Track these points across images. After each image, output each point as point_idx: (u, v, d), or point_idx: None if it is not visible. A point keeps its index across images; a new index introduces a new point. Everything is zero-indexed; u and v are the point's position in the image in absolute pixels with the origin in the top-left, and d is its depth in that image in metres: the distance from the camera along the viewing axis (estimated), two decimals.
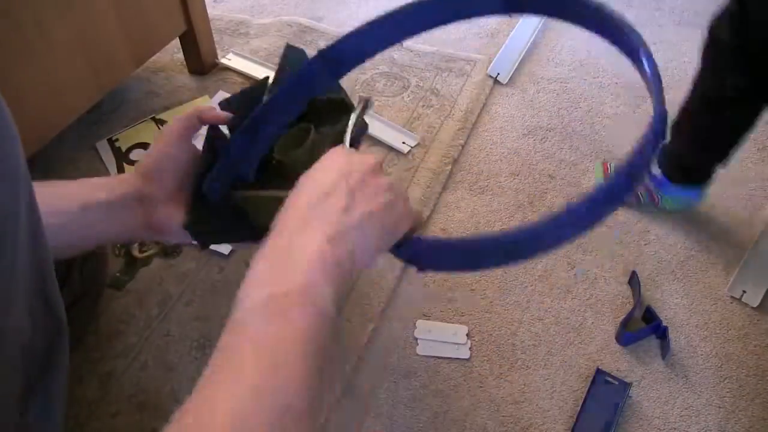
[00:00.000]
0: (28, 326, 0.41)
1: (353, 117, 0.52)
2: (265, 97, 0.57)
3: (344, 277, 0.38)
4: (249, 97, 0.56)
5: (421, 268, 0.45)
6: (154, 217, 0.52)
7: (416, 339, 0.84)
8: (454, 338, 0.84)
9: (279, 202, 0.43)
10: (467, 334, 0.84)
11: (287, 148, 0.56)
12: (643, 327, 0.84)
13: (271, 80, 0.59)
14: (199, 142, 0.54)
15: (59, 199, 0.48)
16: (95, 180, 0.51)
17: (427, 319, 0.86)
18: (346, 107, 0.62)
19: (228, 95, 0.73)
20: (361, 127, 0.56)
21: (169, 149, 0.52)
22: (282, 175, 0.54)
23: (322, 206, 0.40)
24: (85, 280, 0.72)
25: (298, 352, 0.34)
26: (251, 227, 0.54)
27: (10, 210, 0.36)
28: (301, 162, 0.51)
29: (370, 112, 0.58)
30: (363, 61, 0.58)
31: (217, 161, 0.53)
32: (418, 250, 0.44)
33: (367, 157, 0.44)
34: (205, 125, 0.54)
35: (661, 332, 0.83)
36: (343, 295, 0.39)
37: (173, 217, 0.52)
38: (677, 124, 0.95)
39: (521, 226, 0.40)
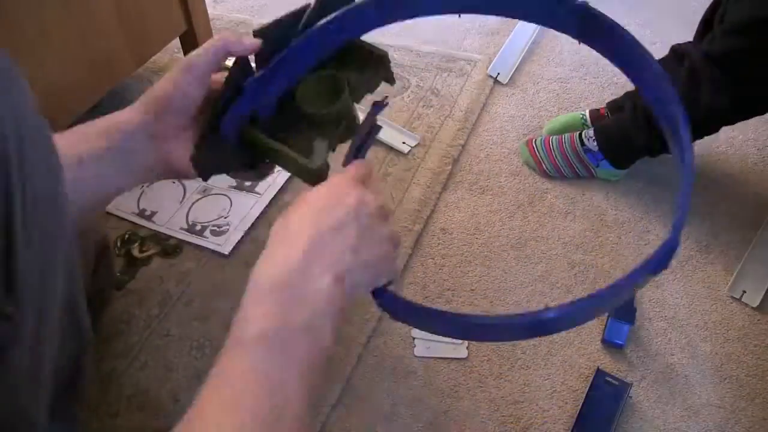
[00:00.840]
0: (57, 340, 0.41)
1: (362, 118, 0.51)
2: (297, 37, 0.53)
3: (343, 313, 0.40)
4: (285, 29, 0.53)
5: (394, 318, 0.47)
6: (165, 152, 0.48)
7: (413, 339, 0.84)
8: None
9: (302, 166, 0.45)
10: None
11: (313, 98, 0.53)
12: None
13: (312, 5, 0.54)
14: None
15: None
16: (92, 126, 0.47)
17: None
18: (370, 55, 0.60)
19: None
20: (373, 129, 0.55)
21: (186, 87, 0.48)
22: (308, 123, 0.52)
23: (332, 242, 0.40)
24: (98, 281, 0.72)
25: (295, 379, 0.35)
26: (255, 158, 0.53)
27: (57, 233, 0.37)
28: (335, 115, 0.51)
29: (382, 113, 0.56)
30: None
31: (236, 99, 0.50)
32: (395, 306, 0.46)
33: (378, 197, 0.43)
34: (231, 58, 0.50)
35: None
36: (338, 328, 0.39)
37: (185, 151, 0.49)
38: (629, 111, 0.99)
39: (486, 316, 0.41)
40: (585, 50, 1.23)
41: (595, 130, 1.04)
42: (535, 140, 1.10)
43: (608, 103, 1.14)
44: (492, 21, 1.47)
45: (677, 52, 1.02)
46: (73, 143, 0.46)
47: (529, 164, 1.09)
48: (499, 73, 1.28)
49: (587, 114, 1.14)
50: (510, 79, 1.28)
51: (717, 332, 0.86)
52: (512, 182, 1.06)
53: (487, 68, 1.29)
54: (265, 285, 0.38)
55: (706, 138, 1.14)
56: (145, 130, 0.47)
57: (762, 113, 0.92)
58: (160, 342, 0.82)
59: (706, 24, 1.00)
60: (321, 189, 0.42)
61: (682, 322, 0.87)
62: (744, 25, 0.83)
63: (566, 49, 1.36)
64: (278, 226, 0.41)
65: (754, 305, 0.88)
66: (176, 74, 0.48)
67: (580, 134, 1.05)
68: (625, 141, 1.00)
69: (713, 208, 1.02)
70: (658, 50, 1.37)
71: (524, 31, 1.40)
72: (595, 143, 1.03)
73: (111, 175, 0.47)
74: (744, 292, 0.90)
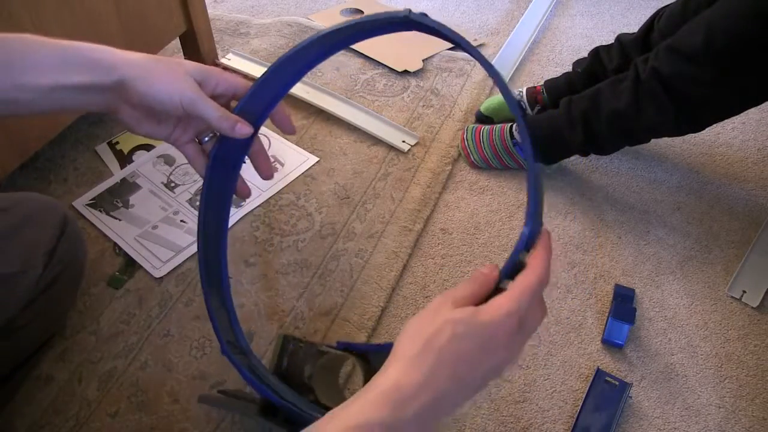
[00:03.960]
0: None
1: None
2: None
3: None
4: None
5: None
6: (122, 113, 0.50)
7: None
8: None
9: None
10: None
11: (328, 385, 0.60)
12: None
13: None
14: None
15: (33, 70, 0.46)
16: (79, 54, 0.48)
17: None
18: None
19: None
20: None
21: (184, 99, 0.49)
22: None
23: (466, 388, 0.39)
24: (63, 259, 0.73)
25: None
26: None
27: None
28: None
29: None
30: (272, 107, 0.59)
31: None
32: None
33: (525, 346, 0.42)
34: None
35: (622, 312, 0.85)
36: None
37: (142, 124, 0.51)
38: (564, 109, 0.99)
39: None
40: (585, 50, 1.23)
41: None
42: (467, 130, 1.10)
43: (546, 82, 1.13)
44: (492, 21, 1.47)
45: (624, 49, 1.03)
46: (49, 66, 0.47)
47: (461, 154, 1.09)
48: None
49: (524, 91, 1.14)
50: (510, 79, 1.28)
51: (717, 332, 0.86)
52: (512, 182, 1.06)
53: None
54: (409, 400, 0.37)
55: (706, 138, 1.15)
56: (114, 87, 0.48)
57: (699, 130, 0.92)
58: (160, 342, 0.82)
59: (654, 18, 1.01)
60: (490, 326, 0.40)
61: (682, 322, 0.87)
62: (694, 53, 0.82)
63: (566, 49, 1.36)
64: (447, 341, 0.39)
65: (754, 305, 0.89)
66: (187, 80, 0.50)
67: (511, 127, 1.04)
68: (558, 140, 0.99)
69: (713, 208, 1.03)
70: None
71: (524, 31, 1.40)
72: None
73: (69, 103, 0.48)
74: (744, 292, 0.90)
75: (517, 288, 0.40)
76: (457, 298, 0.42)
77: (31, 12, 0.83)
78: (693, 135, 1.08)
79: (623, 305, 0.86)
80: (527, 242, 0.42)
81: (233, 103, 0.57)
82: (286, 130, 0.60)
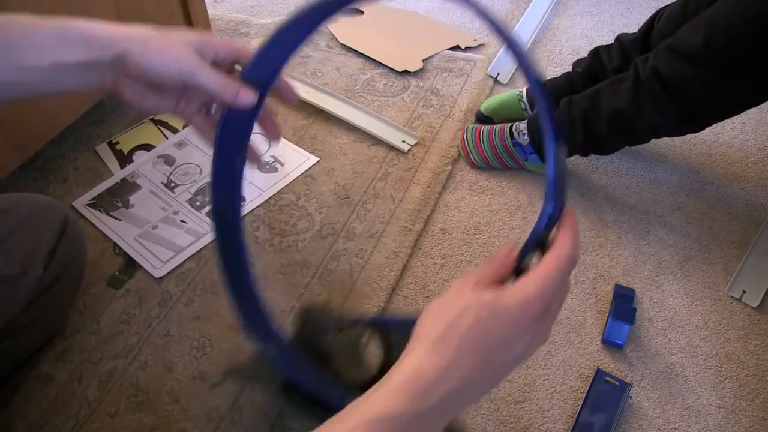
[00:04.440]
0: None
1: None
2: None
3: None
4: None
5: None
6: (124, 90, 0.49)
7: None
8: None
9: None
10: None
11: (347, 358, 0.59)
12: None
13: None
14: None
15: (32, 51, 0.46)
16: (77, 31, 0.48)
17: None
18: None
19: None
20: None
21: (185, 67, 0.47)
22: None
23: (491, 375, 0.38)
24: (63, 260, 0.73)
25: None
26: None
27: None
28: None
29: None
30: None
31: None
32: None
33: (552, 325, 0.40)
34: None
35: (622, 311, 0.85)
36: None
37: (145, 99, 0.49)
38: (564, 109, 0.99)
39: None
40: (585, 50, 1.23)
41: (528, 125, 1.03)
42: (467, 130, 1.10)
43: (545, 82, 1.13)
44: None
45: (624, 49, 1.03)
46: (49, 45, 0.46)
47: (461, 154, 1.10)
48: (499, 73, 1.28)
49: (524, 91, 1.14)
50: (510, 79, 1.28)
51: (717, 332, 0.86)
52: (512, 182, 1.06)
53: (487, 68, 1.29)
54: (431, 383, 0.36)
55: (706, 138, 1.15)
56: (116, 62, 0.47)
57: (699, 130, 0.92)
58: (160, 342, 0.82)
59: (655, 18, 1.01)
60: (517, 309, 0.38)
61: (682, 322, 0.87)
62: (694, 53, 0.82)
63: (566, 49, 1.36)
64: (470, 322, 0.38)
65: (754, 305, 0.88)
66: (185, 50, 0.48)
67: (511, 128, 1.04)
68: None
69: (713, 207, 1.03)
70: None
71: (524, 31, 1.40)
72: (526, 137, 1.02)
73: (71, 83, 0.48)
74: (744, 292, 0.90)
75: (544, 269, 0.38)
76: (478, 280, 0.40)
77: (30, 12, 0.83)
78: (693, 135, 1.08)
79: (623, 305, 0.86)
80: (549, 221, 0.41)
81: (239, 72, 0.54)
82: (271, 135, 0.57)
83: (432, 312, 0.39)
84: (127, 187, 1.02)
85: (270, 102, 0.55)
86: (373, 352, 0.58)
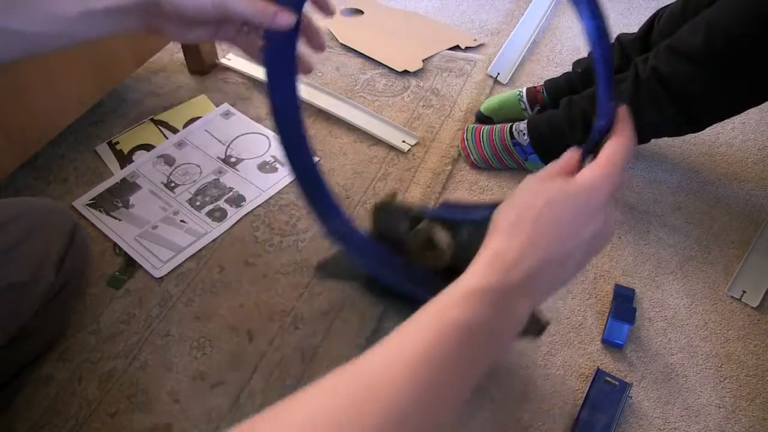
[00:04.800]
0: None
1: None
2: None
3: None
4: None
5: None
6: (162, 29, 0.49)
7: None
8: None
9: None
10: None
11: (421, 248, 0.66)
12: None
13: None
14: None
15: (59, 1, 0.45)
16: None
17: None
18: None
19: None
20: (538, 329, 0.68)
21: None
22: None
23: (570, 253, 0.40)
24: (72, 267, 0.72)
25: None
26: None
27: None
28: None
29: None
30: None
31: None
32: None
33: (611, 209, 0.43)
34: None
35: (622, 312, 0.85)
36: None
37: (184, 33, 0.50)
38: (564, 109, 0.99)
39: None
40: (585, 50, 1.23)
41: (528, 126, 1.03)
42: (467, 130, 1.09)
43: (546, 82, 1.13)
44: (492, 21, 1.47)
45: (624, 49, 1.03)
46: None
47: (461, 154, 1.10)
48: (499, 73, 1.28)
49: (524, 91, 1.14)
50: (510, 79, 1.28)
51: (717, 332, 0.86)
52: (512, 182, 1.06)
53: (487, 68, 1.29)
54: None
55: (706, 138, 1.15)
56: (145, 5, 0.47)
57: (699, 130, 0.92)
58: (160, 342, 0.82)
59: (655, 18, 1.01)
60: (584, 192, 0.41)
61: (682, 322, 0.87)
62: (694, 53, 0.82)
63: (566, 49, 1.36)
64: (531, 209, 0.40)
65: (754, 305, 0.88)
66: None
67: (511, 128, 1.04)
68: (558, 139, 0.99)
69: (713, 207, 1.03)
70: None
71: (524, 31, 1.40)
72: (526, 137, 1.02)
73: (100, 30, 0.47)
74: (744, 292, 0.90)
75: (605, 157, 0.42)
76: (545, 174, 0.43)
77: None
78: (693, 135, 1.08)
79: (623, 305, 0.86)
80: (608, 116, 0.45)
81: None
82: (315, 44, 0.58)
83: (504, 207, 0.41)
84: (127, 187, 1.02)
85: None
86: (444, 239, 0.64)
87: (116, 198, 1.00)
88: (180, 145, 1.10)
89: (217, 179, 1.04)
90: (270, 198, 1.01)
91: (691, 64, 0.82)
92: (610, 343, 0.83)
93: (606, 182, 0.40)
